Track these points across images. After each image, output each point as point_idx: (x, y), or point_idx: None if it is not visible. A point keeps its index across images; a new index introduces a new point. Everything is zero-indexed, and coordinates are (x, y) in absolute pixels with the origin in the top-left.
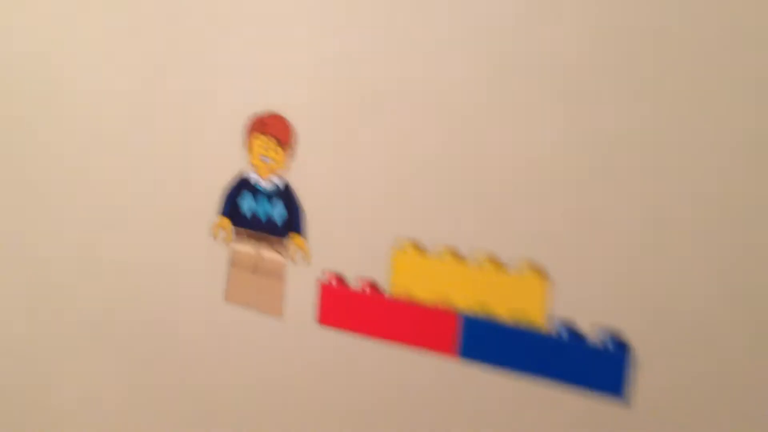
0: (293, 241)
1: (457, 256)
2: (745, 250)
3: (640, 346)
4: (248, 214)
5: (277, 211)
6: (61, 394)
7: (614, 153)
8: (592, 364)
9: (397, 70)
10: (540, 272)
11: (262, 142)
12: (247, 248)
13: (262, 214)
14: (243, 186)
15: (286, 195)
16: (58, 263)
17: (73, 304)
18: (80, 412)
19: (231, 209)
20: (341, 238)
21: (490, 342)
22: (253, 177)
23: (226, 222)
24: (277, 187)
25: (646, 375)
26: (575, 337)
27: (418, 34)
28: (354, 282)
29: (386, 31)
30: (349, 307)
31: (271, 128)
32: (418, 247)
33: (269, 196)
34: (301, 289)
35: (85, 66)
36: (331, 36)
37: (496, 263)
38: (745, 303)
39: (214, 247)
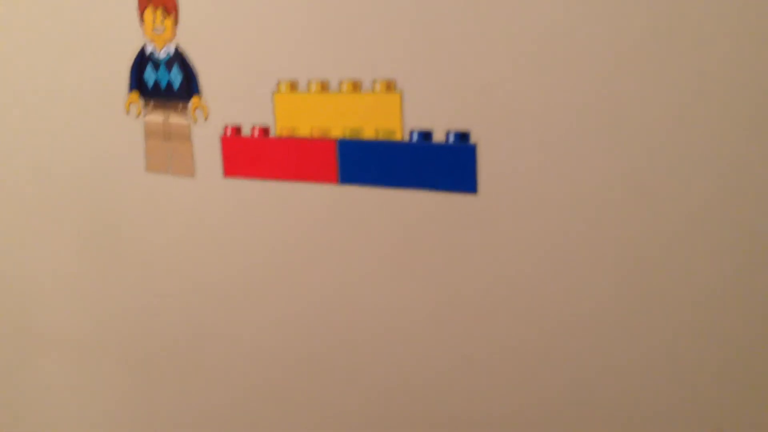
0: (193, 103)
1: (326, 89)
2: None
3: (484, 142)
4: (151, 85)
5: (174, 77)
6: (21, 265)
7: None
8: (445, 162)
9: None
10: (393, 88)
11: (151, 14)
12: (157, 117)
13: (163, 82)
14: (143, 59)
15: (179, 60)
16: None
17: (15, 194)
18: (38, 285)
19: (138, 83)
20: (232, 92)
21: (362, 161)
22: (150, 48)
23: (136, 96)
24: (170, 54)
25: (490, 167)
26: (428, 140)
27: None
28: (248, 130)
29: None
30: (246, 154)
31: None
32: (294, 87)
33: (166, 63)
34: (207, 146)
35: None
36: None
37: (357, 88)
38: (573, 87)
39: (128, 121)
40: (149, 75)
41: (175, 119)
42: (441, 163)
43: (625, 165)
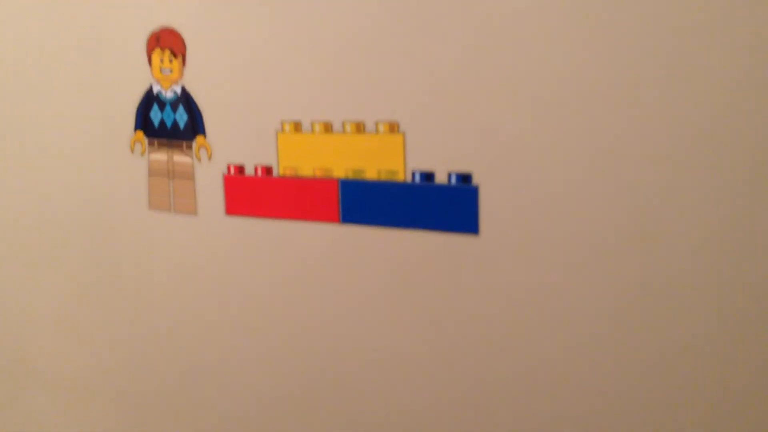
0: (198, 142)
1: (329, 129)
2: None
3: (486, 184)
4: (157, 124)
5: (180, 116)
6: (22, 303)
7: (429, 14)
8: (447, 203)
9: None
10: (396, 129)
11: (159, 56)
12: (161, 156)
13: (168, 122)
14: (150, 99)
15: (185, 100)
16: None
17: (19, 232)
18: (38, 325)
19: (143, 122)
20: (236, 132)
21: (364, 201)
22: (157, 89)
23: (141, 135)
24: (177, 94)
25: (491, 209)
26: (430, 181)
27: None
28: (251, 170)
29: None
30: (249, 193)
31: (165, 41)
32: (298, 127)
33: (172, 104)
34: (209, 184)
35: None
36: None
37: (361, 129)
38: (572, 132)
39: (133, 160)
40: (155, 114)
41: (179, 158)
42: (443, 204)
43: (625, 210)
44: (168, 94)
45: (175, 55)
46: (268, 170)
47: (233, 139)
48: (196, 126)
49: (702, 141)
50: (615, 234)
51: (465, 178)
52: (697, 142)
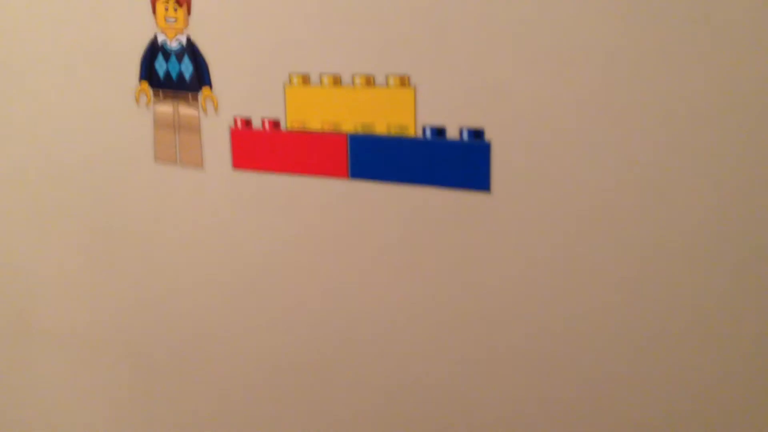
0: (204, 94)
1: (338, 82)
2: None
3: (498, 140)
4: (162, 75)
5: (185, 67)
6: (28, 259)
7: None
8: (458, 160)
9: None
10: (407, 83)
11: (164, 4)
12: (167, 108)
13: (174, 73)
14: (155, 49)
15: (190, 51)
16: (5, 151)
17: (25, 185)
18: (44, 277)
19: (148, 73)
20: (243, 84)
21: (374, 156)
22: (161, 38)
23: (146, 86)
24: (182, 44)
25: (504, 165)
26: (441, 136)
27: None
28: (258, 123)
29: None
30: (256, 147)
31: None
32: (306, 80)
33: (177, 54)
34: (216, 137)
35: None
36: None
37: (370, 82)
38: (588, 89)
39: (138, 111)
40: (160, 65)
41: (185, 110)
42: (454, 161)
43: (639, 165)
44: (173, 44)
45: (179, 3)
46: (275, 124)
47: (240, 91)
48: (201, 77)
49: (721, 89)
50: (631, 191)
51: (477, 134)
52: (717, 92)
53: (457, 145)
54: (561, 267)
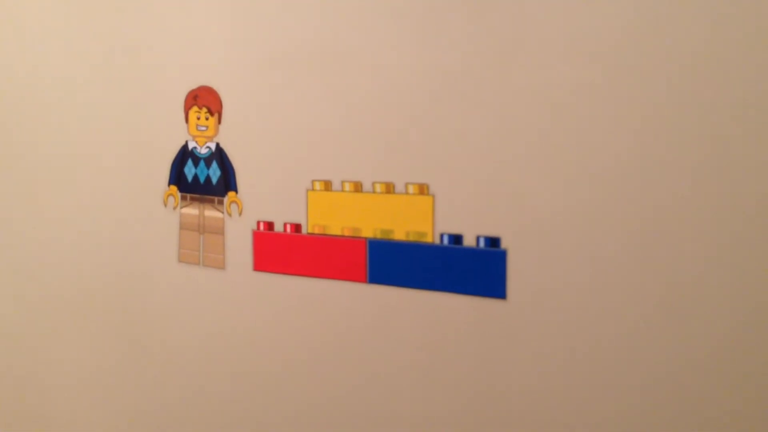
0: (229, 198)
1: (359, 189)
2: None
3: (515, 248)
4: (190, 179)
5: (213, 172)
6: (52, 355)
7: (463, 81)
8: (475, 267)
9: (293, 47)
10: (426, 191)
11: (196, 113)
12: (193, 210)
13: (202, 177)
14: (185, 154)
15: (219, 157)
16: (36, 245)
17: (52, 280)
18: (64, 373)
19: (177, 177)
20: (267, 188)
21: (392, 262)
22: (192, 145)
23: (174, 189)
24: (211, 150)
25: (520, 273)
26: (458, 244)
27: (306, 11)
28: (281, 226)
29: (282, 13)
30: (277, 249)
31: (203, 99)
32: (328, 186)
33: (206, 159)
34: (239, 240)
35: (41, 59)
36: (243, 19)
37: (390, 189)
38: (602, 199)
39: (165, 213)
40: (189, 170)
41: (210, 213)
42: (471, 268)
43: (658, 279)
44: (202, 150)
45: (211, 113)
46: (297, 227)
47: (264, 195)
48: (228, 182)
49: (737, 209)
50: (646, 304)
51: (494, 242)
52: (729, 208)
53: (474, 253)
54: (577, 375)
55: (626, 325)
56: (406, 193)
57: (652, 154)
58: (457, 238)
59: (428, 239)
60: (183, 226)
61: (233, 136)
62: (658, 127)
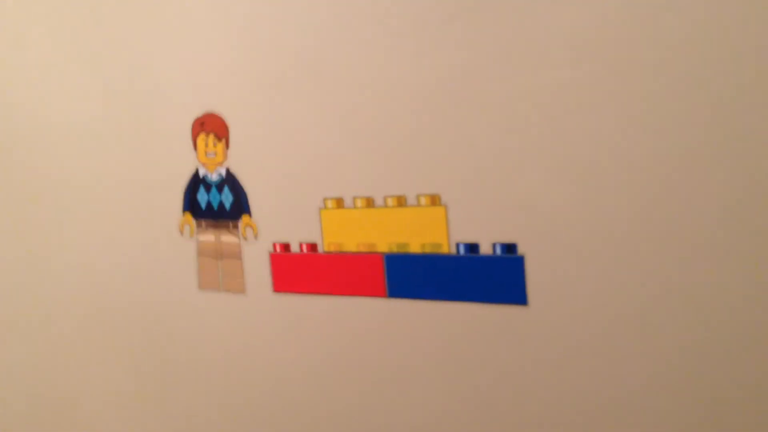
0: (244, 221)
1: (371, 204)
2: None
3: (532, 253)
4: (204, 206)
5: (226, 197)
6: (69, 384)
7: (471, 87)
8: (494, 275)
9: (295, 66)
10: (438, 202)
11: (204, 140)
12: (209, 236)
13: (215, 203)
14: (197, 181)
15: (230, 182)
16: (59, 277)
17: (78, 315)
18: (85, 398)
19: (191, 204)
20: (280, 210)
21: (410, 275)
22: (202, 171)
23: (189, 217)
24: (222, 176)
25: (539, 278)
26: (474, 252)
27: (307, 28)
28: (297, 247)
29: (282, 32)
30: (295, 270)
31: (209, 125)
32: (341, 204)
33: (218, 185)
34: (257, 262)
35: (45, 95)
36: (244, 41)
37: (402, 202)
38: (616, 201)
39: (182, 241)
40: (202, 196)
41: (227, 238)
42: (489, 276)
43: (673, 279)
44: (213, 177)
45: (219, 138)
46: (312, 247)
47: (278, 217)
48: (241, 206)
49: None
50: (664, 305)
51: (510, 248)
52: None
53: (491, 260)
54: (600, 379)
55: (650, 323)
56: (418, 205)
57: (667, 155)
58: (473, 247)
59: (444, 250)
60: (201, 253)
61: (242, 160)
62: (673, 129)
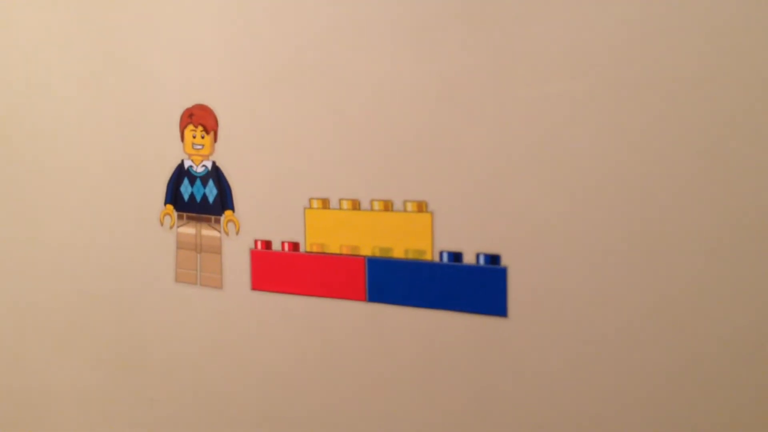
0: (226, 216)
1: (357, 207)
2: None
3: (515, 265)
4: (187, 198)
5: (210, 191)
6: (47, 375)
7: (460, 96)
8: (475, 284)
9: (289, 64)
10: (424, 208)
11: (192, 132)
12: (190, 229)
13: (198, 196)
14: (181, 173)
15: (215, 175)
16: (34, 262)
17: (48, 300)
18: (60, 392)
19: (173, 196)
20: (264, 207)
21: (391, 280)
22: (188, 163)
23: (171, 209)
24: (207, 169)
25: (521, 291)
26: (458, 261)
27: (302, 27)
28: (278, 245)
29: (277, 30)
30: (275, 268)
31: (198, 117)
32: (326, 204)
33: (202, 178)
34: (236, 259)
35: (32, 84)
36: (238, 36)
37: (389, 207)
38: (602, 214)
39: (161, 232)
40: (185, 188)
41: (207, 232)
42: (471, 285)
43: (657, 292)
44: (199, 169)
45: (207, 131)
46: (294, 246)
47: (261, 214)
48: (225, 200)
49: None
50: (646, 317)
51: (494, 259)
52: (736, 229)
53: (473, 270)
54: (578, 392)
55: (630, 339)
56: (405, 210)
57: (652, 168)
58: (456, 256)
59: (428, 257)
60: (180, 246)
61: (229, 154)
62: (658, 140)
